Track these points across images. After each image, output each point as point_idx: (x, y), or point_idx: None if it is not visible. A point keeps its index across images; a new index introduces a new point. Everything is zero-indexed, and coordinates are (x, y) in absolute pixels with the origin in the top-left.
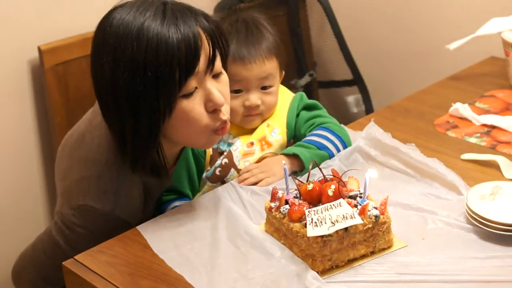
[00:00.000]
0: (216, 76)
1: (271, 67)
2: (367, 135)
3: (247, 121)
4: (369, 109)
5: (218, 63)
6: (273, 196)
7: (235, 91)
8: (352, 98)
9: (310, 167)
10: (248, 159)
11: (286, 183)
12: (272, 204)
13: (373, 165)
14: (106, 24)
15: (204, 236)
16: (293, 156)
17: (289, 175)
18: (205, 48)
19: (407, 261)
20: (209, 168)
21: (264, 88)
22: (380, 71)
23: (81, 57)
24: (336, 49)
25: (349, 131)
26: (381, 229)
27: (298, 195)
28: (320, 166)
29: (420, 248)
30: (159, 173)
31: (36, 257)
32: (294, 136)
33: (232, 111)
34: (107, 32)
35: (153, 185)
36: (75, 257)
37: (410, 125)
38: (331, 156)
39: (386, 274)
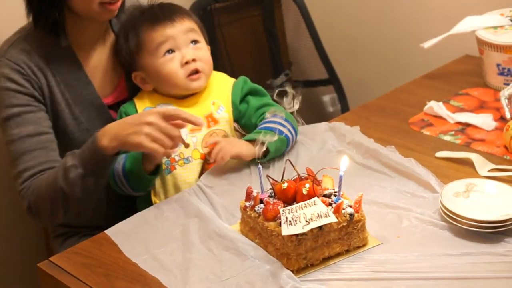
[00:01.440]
0: None
1: (192, 24)
2: (351, 141)
3: (191, 83)
4: (344, 108)
5: None
6: (248, 195)
7: (167, 52)
8: (328, 97)
9: (285, 165)
10: (196, 135)
11: (261, 182)
12: (247, 203)
13: (351, 164)
14: None
15: (176, 239)
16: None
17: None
18: None
19: (382, 259)
20: None
21: (193, 43)
22: (356, 70)
23: None
24: (312, 48)
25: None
26: (355, 227)
27: (272, 194)
28: (296, 165)
29: (394, 246)
30: (57, 33)
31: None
32: (244, 124)
33: (173, 74)
34: None
35: (54, 51)
36: (50, 258)
37: (385, 124)
38: (288, 140)
39: (361, 272)
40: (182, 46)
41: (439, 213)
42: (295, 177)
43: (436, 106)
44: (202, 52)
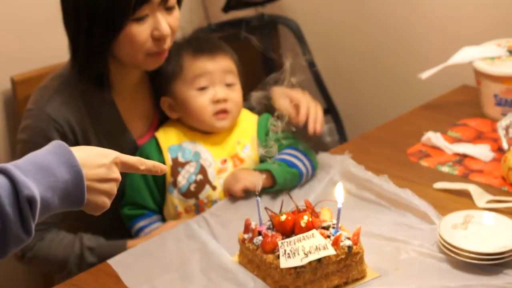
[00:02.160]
0: (169, 9)
1: (232, 65)
2: (342, 169)
3: (217, 121)
4: (342, 138)
5: None
6: (246, 228)
7: (201, 88)
8: (326, 127)
9: (283, 198)
10: (222, 176)
11: (259, 214)
12: (246, 236)
13: (347, 196)
14: None
15: (177, 269)
16: (265, 172)
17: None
18: None
19: None
20: (172, 179)
21: (228, 85)
22: (353, 100)
23: None
24: (310, 78)
25: (324, 155)
26: (354, 260)
27: (271, 226)
28: (293, 196)
29: (393, 278)
30: (102, 84)
31: None
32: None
33: (201, 109)
34: None
35: (96, 106)
36: None
37: (383, 155)
38: (301, 174)
39: None
40: (216, 84)
41: (437, 245)
42: (293, 209)
43: (433, 137)
44: (234, 94)
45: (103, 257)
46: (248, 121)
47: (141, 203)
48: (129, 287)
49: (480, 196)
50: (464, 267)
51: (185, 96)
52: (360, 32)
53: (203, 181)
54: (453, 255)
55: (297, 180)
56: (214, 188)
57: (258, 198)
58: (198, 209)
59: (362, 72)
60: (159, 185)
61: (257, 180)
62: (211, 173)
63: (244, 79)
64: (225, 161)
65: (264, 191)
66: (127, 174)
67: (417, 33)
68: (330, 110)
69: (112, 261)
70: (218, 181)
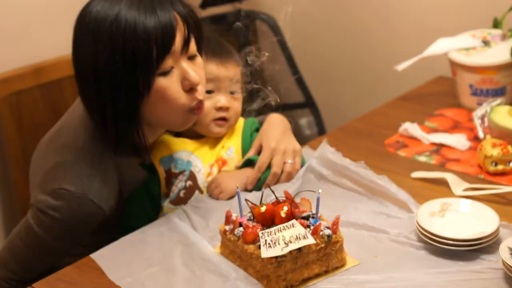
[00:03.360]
0: (191, 58)
1: (239, 74)
2: (319, 155)
3: (215, 127)
4: (321, 131)
5: (193, 45)
6: (227, 219)
7: (207, 92)
8: (305, 120)
9: (263, 189)
10: (208, 180)
11: (240, 206)
12: (227, 227)
13: (325, 184)
14: (86, 11)
15: (159, 262)
16: (250, 165)
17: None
18: (181, 29)
19: (360, 279)
20: (166, 191)
21: (232, 93)
22: (331, 93)
23: (34, 87)
24: (288, 73)
25: (306, 150)
26: (334, 248)
27: (251, 217)
28: (273, 187)
29: (372, 266)
30: (140, 153)
31: (12, 243)
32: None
33: (203, 113)
34: (87, 17)
35: (127, 174)
36: (33, 285)
37: (361, 146)
38: None
39: None
40: (222, 91)
41: (416, 233)
42: (273, 201)
43: (410, 128)
44: (236, 103)
45: None
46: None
47: (137, 226)
48: (113, 280)
49: (457, 185)
50: (442, 254)
51: None
52: (337, 25)
53: (193, 187)
54: (431, 242)
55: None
56: (202, 192)
57: (238, 190)
58: None
59: (339, 66)
60: (154, 203)
61: (240, 181)
62: (200, 179)
63: None
64: (212, 165)
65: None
66: (126, 203)
67: (393, 26)
68: (308, 103)
69: (94, 255)
70: (205, 185)
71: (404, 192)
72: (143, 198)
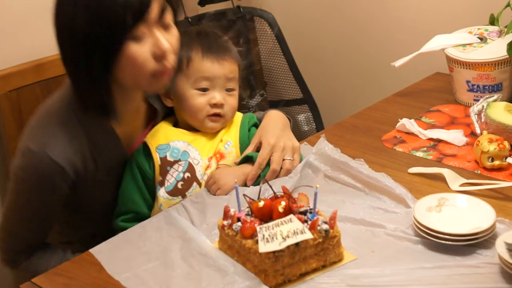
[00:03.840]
0: (166, 27)
1: (236, 70)
2: (318, 151)
3: (209, 122)
4: (319, 127)
5: (169, 15)
6: (225, 214)
7: (202, 89)
8: (303, 116)
9: (261, 184)
10: (207, 173)
11: (238, 201)
12: (225, 222)
13: (323, 180)
14: None
15: (158, 257)
16: (248, 161)
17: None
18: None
19: (357, 273)
20: (160, 178)
21: (228, 90)
22: (329, 89)
23: (34, 83)
24: (286, 69)
25: (304, 146)
26: (331, 243)
27: (250, 212)
28: (271, 182)
29: (370, 261)
30: (106, 112)
31: (2, 215)
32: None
33: (197, 109)
34: None
35: (99, 139)
36: (32, 280)
37: (358, 142)
38: None
39: (337, 286)
40: (217, 88)
41: (413, 228)
42: (271, 196)
43: (408, 123)
44: (232, 100)
45: None
46: (233, 119)
47: (134, 210)
48: (112, 275)
49: (454, 180)
50: (439, 248)
51: (184, 92)
52: (334, 23)
53: (191, 179)
54: (428, 237)
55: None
56: (200, 185)
57: (237, 186)
58: None
59: (337, 62)
60: (149, 187)
61: (238, 177)
62: (198, 171)
63: None
64: (211, 158)
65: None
66: (120, 185)
67: (390, 22)
68: (306, 100)
69: (93, 250)
70: (204, 178)
71: (401, 187)
72: (138, 180)
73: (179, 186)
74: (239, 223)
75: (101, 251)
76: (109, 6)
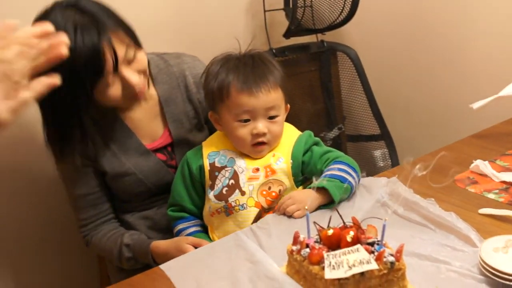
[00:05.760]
0: (130, 61)
1: (276, 97)
2: (391, 191)
3: (255, 151)
4: (395, 164)
5: (123, 50)
6: (295, 240)
7: (244, 121)
8: (379, 152)
9: (331, 214)
10: (252, 183)
11: (308, 228)
12: (294, 247)
13: (393, 216)
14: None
15: (226, 276)
16: (321, 190)
17: (317, 209)
18: (110, 52)
19: None
20: (210, 182)
21: (270, 118)
22: (407, 127)
23: None
24: (365, 104)
25: (373, 178)
26: (396, 276)
27: (318, 239)
28: (342, 214)
29: None
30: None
31: None
32: (310, 172)
33: (241, 139)
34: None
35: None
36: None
37: (431, 180)
38: (352, 186)
39: None
40: (258, 118)
41: (478, 267)
42: (340, 225)
43: (482, 165)
44: (275, 127)
45: (136, 252)
46: (288, 137)
47: (180, 204)
48: None
49: None
50: None
51: (228, 123)
52: (415, 62)
53: (234, 186)
54: (492, 276)
55: (349, 193)
56: (243, 193)
57: (308, 213)
58: (227, 211)
59: (416, 101)
60: (197, 188)
61: (313, 202)
62: (242, 179)
63: (302, 102)
64: (257, 169)
65: (319, 207)
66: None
67: (470, 65)
68: (384, 136)
69: (164, 266)
70: (248, 187)
71: (470, 226)
72: (186, 180)
73: (224, 191)
74: (308, 249)
75: (171, 268)
76: (71, 71)
